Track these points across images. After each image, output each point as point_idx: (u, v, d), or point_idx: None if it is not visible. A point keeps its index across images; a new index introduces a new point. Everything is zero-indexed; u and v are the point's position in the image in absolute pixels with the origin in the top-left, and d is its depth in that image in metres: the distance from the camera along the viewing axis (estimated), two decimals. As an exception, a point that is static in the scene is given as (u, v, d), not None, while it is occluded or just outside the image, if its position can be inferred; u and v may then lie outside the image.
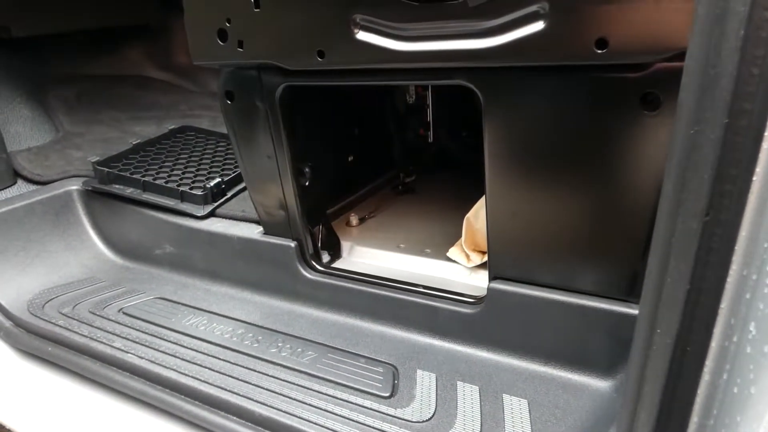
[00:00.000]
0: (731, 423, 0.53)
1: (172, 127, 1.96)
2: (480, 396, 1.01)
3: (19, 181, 1.73)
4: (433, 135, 1.82)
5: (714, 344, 0.56)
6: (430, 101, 1.75)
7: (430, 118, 1.79)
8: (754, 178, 0.50)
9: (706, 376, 0.58)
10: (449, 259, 1.29)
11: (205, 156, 1.76)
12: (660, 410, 0.59)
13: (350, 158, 1.60)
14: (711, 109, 0.47)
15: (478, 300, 1.11)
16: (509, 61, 0.85)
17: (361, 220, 1.55)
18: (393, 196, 1.73)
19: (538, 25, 0.80)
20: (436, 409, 0.99)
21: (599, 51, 0.77)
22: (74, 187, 1.66)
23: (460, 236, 1.28)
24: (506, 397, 1.00)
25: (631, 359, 0.63)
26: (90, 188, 1.63)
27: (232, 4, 1.04)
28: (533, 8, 0.79)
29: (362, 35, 0.95)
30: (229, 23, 1.07)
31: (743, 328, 0.51)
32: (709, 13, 0.47)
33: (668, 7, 0.71)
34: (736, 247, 0.52)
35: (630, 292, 0.97)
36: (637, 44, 0.75)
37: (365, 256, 1.40)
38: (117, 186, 1.60)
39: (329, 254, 1.39)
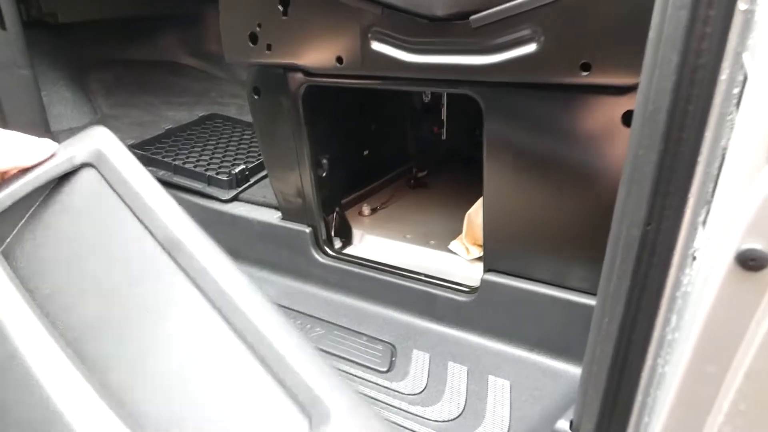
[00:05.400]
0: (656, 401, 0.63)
1: (202, 114, 2.09)
2: (468, 375, 1.12)
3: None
4: (447, 132, 1.92)
5: (656, 333, 0.67)
6: (444, 101, 1.84)
7: (444, 116, 1.89)
8: (689, 196, 0.60)
9: (649, 360, 0.68)
10: (450, 251, 1.40)
11: (231, 143, 1.88)
12: (606, 389, 0.69)
13: (366, 152, 1.71)
14: (650, 138, 0.57)
15: (473, 289, 1.22)
16: (506, 77, 0.95)
17: (373, 211, 1.66)
18: (405, 189, 1.83)
19: (531, 47, 0.90)
20: (427, 384, 1.10)
21: (584, 73, 0.87)
22: (111, 167, 1.79)
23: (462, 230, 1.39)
24: (491, 378, 1.11)
25: (588, 343, 0.73)
26: (125, 169, 1.76)
27: (263, 11, 1.15)
28: (527, 32, 0.89)
29: (377, 46, 1.05)
30: (259, 27, 1.18)
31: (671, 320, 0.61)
32: (651, 58, 0.57)
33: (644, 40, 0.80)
34: (674, 252, 0.62)
35: (609, 290, 1.06)
36: (618, 69, 0.84)
37: (374, 244, 1.51)
38: (150, 168, 1.73)
39: (341, 241, 1.51)
